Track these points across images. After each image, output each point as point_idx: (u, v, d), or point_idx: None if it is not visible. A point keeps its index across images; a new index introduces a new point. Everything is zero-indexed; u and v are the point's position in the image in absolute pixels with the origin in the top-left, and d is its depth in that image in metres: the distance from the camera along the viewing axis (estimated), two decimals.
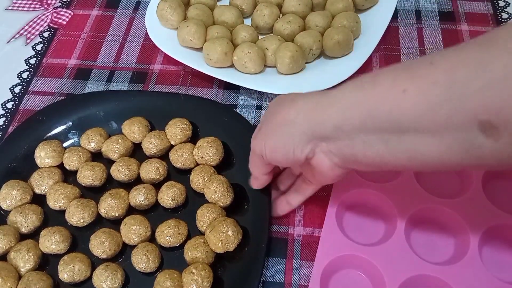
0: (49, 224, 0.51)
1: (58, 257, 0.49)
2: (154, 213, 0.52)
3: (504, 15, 0.69)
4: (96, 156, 0.56)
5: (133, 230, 0.49)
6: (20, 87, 0.66)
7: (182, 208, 0.53)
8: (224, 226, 0.47)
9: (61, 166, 0.55)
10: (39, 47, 0.70)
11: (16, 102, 0.64)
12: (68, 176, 0.55)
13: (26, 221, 0.50)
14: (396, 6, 0.67)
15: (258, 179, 0.49)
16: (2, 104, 0.64)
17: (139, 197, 0.51)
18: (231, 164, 0.55)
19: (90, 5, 0.75)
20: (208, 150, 0.53)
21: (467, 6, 0.71)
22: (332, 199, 0.50)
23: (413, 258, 0.46)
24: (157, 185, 0.53)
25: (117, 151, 0.55)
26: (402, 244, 0.47)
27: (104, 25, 0.72)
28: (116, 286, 0.47)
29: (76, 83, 0.65)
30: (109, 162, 0.55)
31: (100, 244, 0.48)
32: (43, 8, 0.75)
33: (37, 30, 0.72)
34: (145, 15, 0.68)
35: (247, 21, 0.68)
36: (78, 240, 0.51)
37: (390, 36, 0.67)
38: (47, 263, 0.50)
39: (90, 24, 0.72)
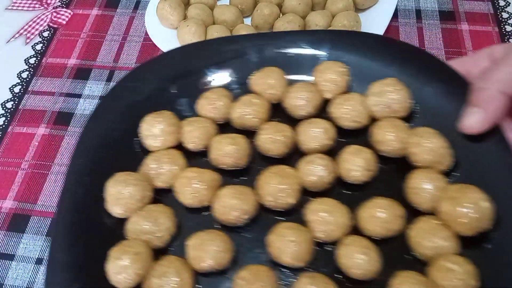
0: (182, 230, 0.36)
1: (215, 276, 0.34)
2: (334, 193, 0.37)
3: (505, 15, 0.69)
4: (222, 128, 0.42)
5: (328, 219, 0.34)
6: (19, 87, 0.66)
7: (374, 182, 0.37)
8: (474, 195, 0.32)
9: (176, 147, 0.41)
10: (38, 47, 0.70)
11: (16, 102, 0.64)
12: (188, 159, 0.40)
13: (159, 229, 0.34)
14: (396, 5, 0.67)
15: (488, 103, 0.34)
16: (1, 104, 0.64)
17: (318, 171, 0.36)
18: (417, 114, 0.40)
19: (90, 5, 0.75)
20: (395, 96, 0.38)
21: (468, 5, 0.71)
22: None
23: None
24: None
25: (255, 115, 0.39)
26: None
27: (104, 25, 0.72)
28: None
29: (76, 83, 0.65)
30: (240, 133, 0.40)
31: (288, 244, 0.33)
32: (42, 7, 0.75)
33: (36, 29, 0.72)
34: (145, 15, 0.68)
35: (247, 21, 0.68)
36: (240, 246, 0.35)
37: (390, 36, 0.67)
38: None
39: (90, 23, 0.72)
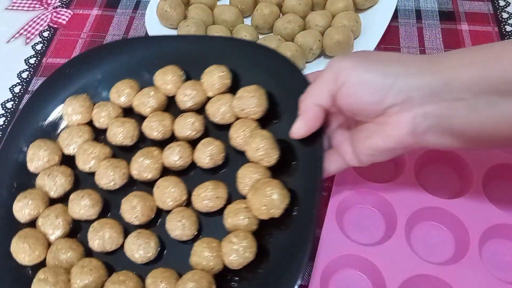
0: (80, 188, 0.47)
1: (90, 223, 0.45)
2: (191, 175, 0.47)
3: (504, 15, 0.69)
4: (128, 112, 0.51)
5: (167, 193, 0.44)
6: (19, 87, 0.66)
7: (221, 168, 0.47)
8: (269, 188, 0.41)
9: (91, 124, 0.51)
10: (39, 47, 0.70)
11: (16, 102, 0.64)
12: (99, 134, 0.50)
13: (55, 184, 0.46)
14: (396, 5, 0.67)
15: (306, 113, 0.41)
16: (1, 104, 0.64)
17: (173, 156, 0.46)
18: (277, 116, 0.47)
19: (90, 5, 0.75)
20: (250, 101, 0.46)
21: (467, 5, 0.71)
22: (332, 199, 0.50)
23: (413, 258, 0.46)
24: (193, 143, 0.47)
25: (149, 105, 0.49)
26: (402, 244, 0.47)
27: (104, 25, 0.72)
28: (149, 256, 0.42)
29: None
30: (141, 118, 0.50)
31: (132, 209, 0.43)
32: (43, 7, 0.75)
33: (37, 29, 0.72)
34: (145, 15, 0.68)
35: (247, 21, 0.68)
36: (111, 205, 0.46)
37: (390, 36, 0.67)
38: (78, 230, 0.45)
39: (90, 23, 0.72)
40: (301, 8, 0.65)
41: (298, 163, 0.44)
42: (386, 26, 0.64)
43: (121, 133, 0.48)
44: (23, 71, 0.67)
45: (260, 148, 0.44)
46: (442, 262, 0.47)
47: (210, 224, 0.44)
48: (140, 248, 0.42)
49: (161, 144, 0.48)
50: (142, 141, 0.49)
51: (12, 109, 0.63)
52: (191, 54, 0.51)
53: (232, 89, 0.49)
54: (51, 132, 0.50)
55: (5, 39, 0.72)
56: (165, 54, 0.52)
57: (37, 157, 0.47)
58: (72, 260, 0.43)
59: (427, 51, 0.65)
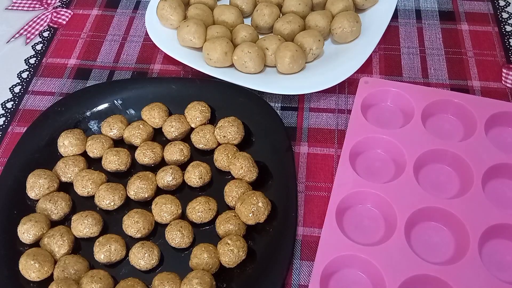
0: (77, 210, 0.52)
1: (89, 240, 0.50)
2: (181, 193, 0.54)
3: (504, 15, 0.69)
4: (117, 143, 0.58)
5: (164, 209, 0.50)
6: (20, 87, 0.66)
7: (208, 186, 0.54)
8: (254, 198, 0.49)
9: (83, 154, 0.56)
10: (39, 47, 0.70)
11: (16, 102, 0.64)
12: (91, 163, 0.56)
13: (56, 207, 0.51)
14: (396, 5, 0.67)
15: None
16: (2, 104, 0.64)
17: (167, 177, 0.52)
18: (251, 142, 0.57)
19: (90, 5, 0.75)
20: (230, 129, 0.55)
21: (467, 5, 0.71)
22: (332, 199, 0.50)
23: (413, 258, 0.46)
24: (181, 167, 0.54)
25: (139, 136, 0.56)
26: (402, 244, 0.47)
27: (104, 25, 0.72)
28: (153, 263, 0.48)
29: (76, 83, 0.65)
30: (130, 148, 0.57)
31: (134, 223, 0.49)
32: (43, 7, 0.75)
33: (37, 29, 0.72)
34: (145, 15, 0.68)
35: (247, 21, 0.68)
36: (108, 223, 0.52)
37: (390, 36, 0.67)
38: (79, 248, 0.51)
39: (90, 24, 0.72)
40: (301, 8, 0.65)
41: (273, 180, 0.53)
42: (386, 26, 0.64)
43: (116, 161, 0.54)
44: (23, 71, 0.67)
45: (243, 166, 0.52)
46: (442, 262, 0.47)
47: (202, 234, 0.51)
48: (145, 256, 0.48)
49: (151, 169, 0.55)
50: (133, 167, 0.56)
51: (12, 109, 0.63)
52: (172, 93, 0.60)
53: (211, 121, 0.58)
54: (46, 163, 0.55)
55: (5, 39, 0.72)
56: (149, 93, 0.60)
57: (38, 184, 0.52)
58: (80, 272, 0.47)
59: (427, 51, 0.65)
